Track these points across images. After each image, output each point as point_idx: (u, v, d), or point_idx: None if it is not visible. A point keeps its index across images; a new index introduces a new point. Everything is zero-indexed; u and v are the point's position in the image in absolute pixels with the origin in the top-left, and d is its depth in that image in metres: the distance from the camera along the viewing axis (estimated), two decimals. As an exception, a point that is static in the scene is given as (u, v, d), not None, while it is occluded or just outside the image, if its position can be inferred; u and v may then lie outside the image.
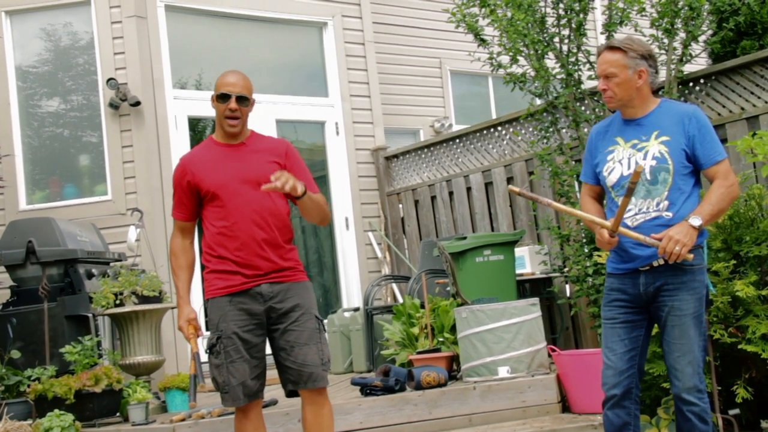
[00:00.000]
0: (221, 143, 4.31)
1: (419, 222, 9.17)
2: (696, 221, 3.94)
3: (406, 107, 11.39)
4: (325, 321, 8.16)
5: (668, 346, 4.09)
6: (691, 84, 6.87)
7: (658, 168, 4.04)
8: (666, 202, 4.04)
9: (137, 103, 8.05)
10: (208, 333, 4.26)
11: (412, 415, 5.58)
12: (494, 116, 11.35)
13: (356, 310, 8.17)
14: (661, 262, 4.02)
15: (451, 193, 8.77)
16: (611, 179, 4.17)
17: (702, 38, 6.92)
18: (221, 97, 4.21)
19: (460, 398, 5.64)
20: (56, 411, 5.50)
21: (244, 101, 4.24)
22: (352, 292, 9.17)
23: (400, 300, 8.14)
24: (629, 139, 4.17)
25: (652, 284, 4.07)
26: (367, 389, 5.73)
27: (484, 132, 8.57)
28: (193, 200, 4.29)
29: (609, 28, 6.53)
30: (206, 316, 4.34)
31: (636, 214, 4.08)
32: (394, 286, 9.00)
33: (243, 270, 4.16)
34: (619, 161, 4.16)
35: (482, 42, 6.88)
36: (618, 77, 4.12)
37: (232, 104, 4.20)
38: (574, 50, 6.67)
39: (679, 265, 3.99)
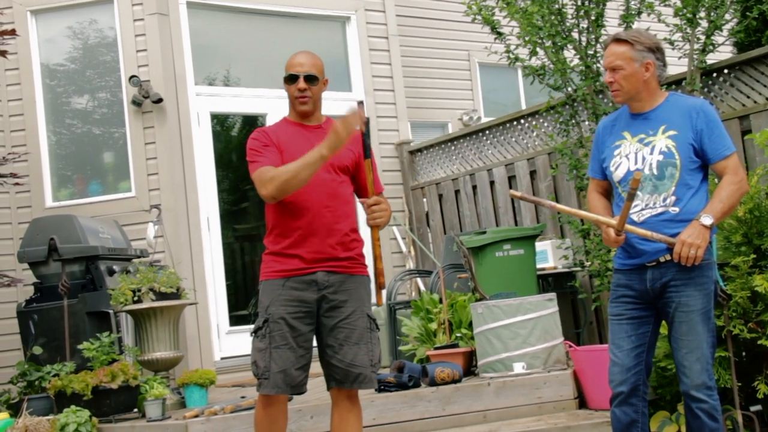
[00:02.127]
0: (297, 123, 4.22)
1: (443, 216, 9.14)
2: (707, 220, 3.88)
3: (434, 100, 11.36)
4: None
5: (676, 343, 4.05)
6: (714, 74, 6.76)
7: (665, 163, 3.99)
8: (673, 198, 3.99)
9: (159, 100, 8.10)
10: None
11: (425, 412, 5.54)
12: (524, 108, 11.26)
13: (379, 304, 8.14)
14: (668, 257, 3.97)
15: (474, 187, 8.72)
16: (618, 174, 4.13)
17: (727, 27, 6.79)
18: (290, 79, 4.15)
19: (474, 394, 5.61)
20: (73, 407, 5.55)
21: (314, 80, 4.14)
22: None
23: (426, 295, 8.10)
24: (636, 134, 4.13)
25: (658, 280, 4.02)
26: (380, 385, 5.70)
27: (507, 125, 8.52)
28: (279, 155, 4.09)
29: (627, 19, 6.44)
30: (258, 298, 4.20)
31: (642, 209, 4.04)
32: (419, 280, 8.96)
33: (302, 252, 4.04)
34: (626, 156, 4.11)
35: (499, 35, 6.82)
36: (624, 70, 4.07)
37: (301, 84, 4.12)
38: (593, 42, 6.58)
39: None
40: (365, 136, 3.97)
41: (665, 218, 3.99)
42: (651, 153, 4.04)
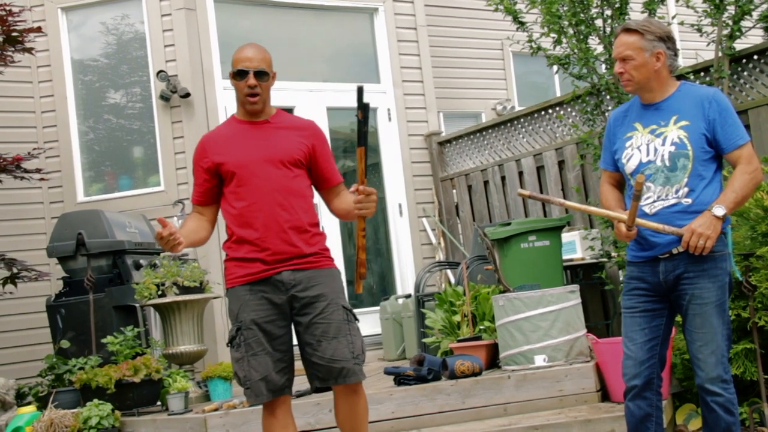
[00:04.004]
0: (243, 121, 4.07)
1: (473, 207, 9.08)
2: (719, 211, 3.82)
3: (467, 90, 11.29)
4: (357, 310, 8.22)
5: (690, 336, 4.00)
6: (743, 60, 6.63)
7: (677, 154, 3.94)
8: (685, 189, 3.93)
9: (187, 95, 8.15)
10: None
11: (444, 405, 5.51)
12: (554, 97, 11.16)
13: (408, 296, 8.15)
14: (681, 249, 3.92)
15: (503, 178, 8.66)
16: (630, 166, 4.07)
17: (757, 12, 6.64)
18: (238, 74, 3.97)
19: (495, 387, 5.57)
20: (95, 401, 5.62)
21: (264, 76, 3.98)
22: (406, 279, 9.14)
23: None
24: (648, 125, 4.07)
25: (671, 272, 3.97)
26: (400, 379, 5.70)
27: (535, 115, 8.44)
28: (212, 183, 4.05)
29: (649, 6, 6.33)
30: (228, 307, 4.10)
31: (654, 201, 3.99)
32: (449, 272, 8.93)
33: (263, 255, 3.92)
34: (638, 148, 4.06)
35: (521, 25, 6.75)
36: (635, 60, 4.02)
37: (251, 80, 3.94)
38: (616, 30, 6.48)
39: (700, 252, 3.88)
40: (361, 123, 3.79)
41: (678, 210, 3.93)
42: (663, 144, 3.98)
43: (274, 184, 3.96)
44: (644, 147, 4.04)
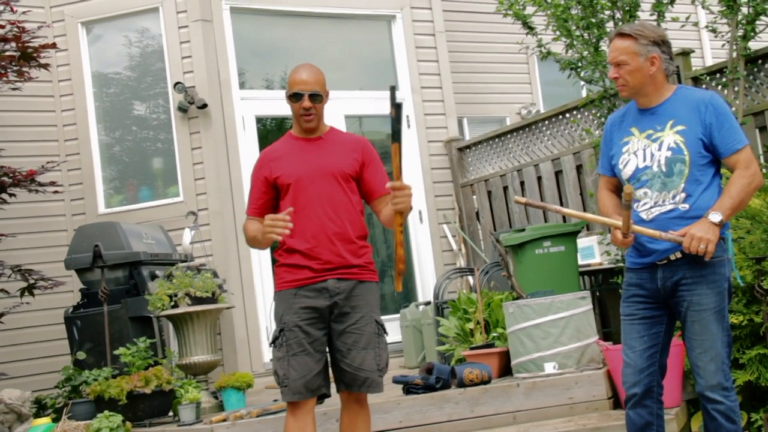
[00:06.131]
0: (299, 137, 4.33)
1: (493, 213, 9.03)
2: (716, 217, 3.77)
3: (491, 95, 11.23)
4: (398, 315, 8.27)
5: (689, 343, 3.96)
6: (759, 61, 6.53)
7: (674, 159, 3.90)
8: (682, 194, 3.89)
9: (204, 106, 8.19)
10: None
11: (453, 414, 5.49)
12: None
13: (428, 304, 8.11)
14: (679, 255, 3.88)
15: (522, 183, 8.61)
16: (626, 172, 4.04)
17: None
18: (294, 97, 4.23)
19: (504, 396, 5.53)
20: (106, 412, 5.65)
21: (318, 98, 4.23)
22: (427, 286, 9.11)
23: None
24: (644, 130, 4.04)
25: (670, 278, 3.93)
26: (408, 387, 5.68)
27: (553, 119, 8.39)
28: (269, 196, 4.30)
29: (657, 8, 6.25)
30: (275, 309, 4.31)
31: (651, 207, 3.95)
32: (470, 278, 8.89)
33: (311, 263, 4.15)
34: (634, 153, 4.03)
35: (530, 30, 6.71)
36: (629, 65, 3.99)
37: (306, 103, 4.20)
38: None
39: (698, 258, 3.82)
40: (395, 120, 3.89)
41: (675, 215, 3.89)
42: (659, 149, 3.94)
43: (325, 197, 4.19)
44: (641, 152, 4.00)
